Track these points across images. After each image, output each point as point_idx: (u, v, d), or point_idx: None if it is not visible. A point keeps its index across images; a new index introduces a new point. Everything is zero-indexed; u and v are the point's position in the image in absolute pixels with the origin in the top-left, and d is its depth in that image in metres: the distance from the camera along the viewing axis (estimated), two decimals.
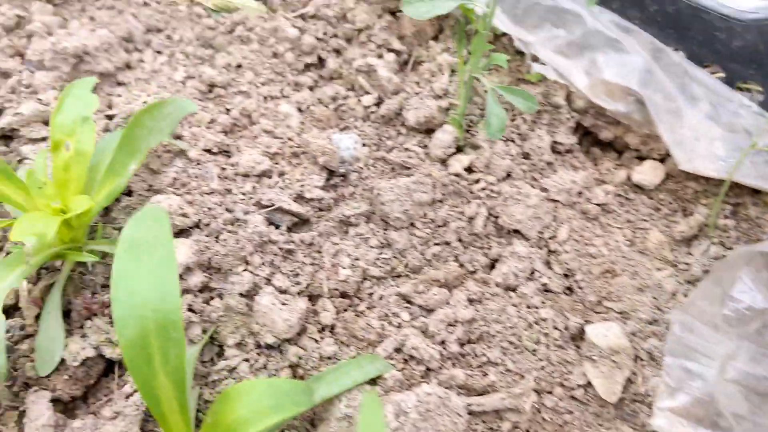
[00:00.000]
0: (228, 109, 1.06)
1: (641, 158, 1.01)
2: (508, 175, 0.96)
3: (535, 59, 1.01)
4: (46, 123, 1.00)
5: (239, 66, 1.10)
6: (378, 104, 1.05)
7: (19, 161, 0.98)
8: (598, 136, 1.02)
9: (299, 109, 1.06)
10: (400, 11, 1.20)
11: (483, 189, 0.94)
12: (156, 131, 0.78)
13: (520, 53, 1.07)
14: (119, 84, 1.10)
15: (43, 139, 0.98)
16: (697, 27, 0.90)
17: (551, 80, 1.00)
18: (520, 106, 0.88)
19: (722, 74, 0.92)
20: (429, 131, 1.02)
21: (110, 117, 1.03)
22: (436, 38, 1.16)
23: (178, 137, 1.00)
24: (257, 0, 1.16)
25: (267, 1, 1.17)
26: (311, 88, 1.10)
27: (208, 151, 0.99)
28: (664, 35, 0.93)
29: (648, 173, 0.97)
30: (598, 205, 0.95)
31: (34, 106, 0.98)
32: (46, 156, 0.90)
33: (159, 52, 1.13)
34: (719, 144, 0.92)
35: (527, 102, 0.88)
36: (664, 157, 0.99)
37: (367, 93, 1.06)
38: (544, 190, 0.94)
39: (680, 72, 0.93)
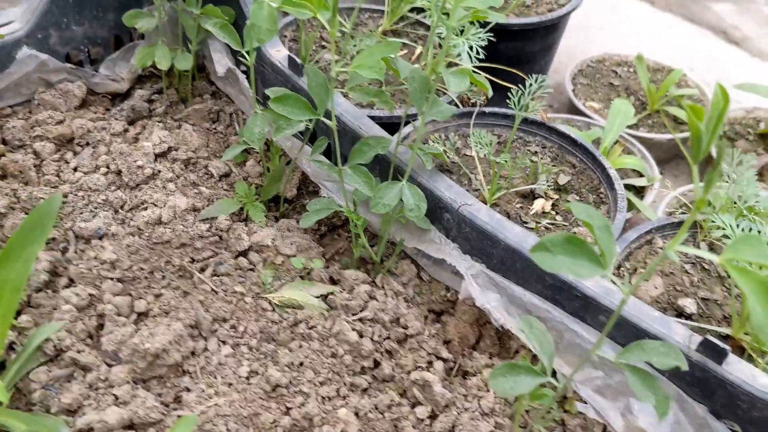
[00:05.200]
0: (288, 409, 1.14)
1: None
2: None
3: (576, 393, 1.14)
4: (124, 428, 1.05)
5: (301, 364, 1.19)
6: (431, 417, 1.15)
7: None
8: None
9: (357, 414, 1.15)
10: (445, 313, 1.33)
11: None
12: None
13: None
14: (185, 373, 1.17)
15: None
16: (721, 393, 1.05)
17: (591, 417, 1.13)
18: None
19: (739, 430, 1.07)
20: None
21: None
22: (477, 344, 1.28)
23: None
24: (318, 298, 1.27)
25: (328, 300, 1.28)
26: (365, 390, 1.19)
27: None
28: (691, 391, 1.08)
29: None
30: None
31: (117, 413, 1.04)
32: None
33: (224, 342, 1.21)
34: None
35: None
36: None
37: (420, 404, 1.16)
38: None
39: (702, 423, 1.07)
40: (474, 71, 1.45)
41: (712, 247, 1.50)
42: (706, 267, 1.47)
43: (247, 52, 1.28)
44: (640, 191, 1.95)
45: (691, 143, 0.70)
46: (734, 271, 0.72)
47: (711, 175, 0.67)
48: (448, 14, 1.55)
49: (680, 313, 1.35)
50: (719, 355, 1.03)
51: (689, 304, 1.36)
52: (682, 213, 1.70)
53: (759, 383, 1.02)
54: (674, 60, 2.41)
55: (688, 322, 1.32)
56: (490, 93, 1.21)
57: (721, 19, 2.92)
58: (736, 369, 1.03)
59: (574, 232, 1.45)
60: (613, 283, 0.84)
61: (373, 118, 1.42)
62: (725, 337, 1.29)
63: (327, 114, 1.21)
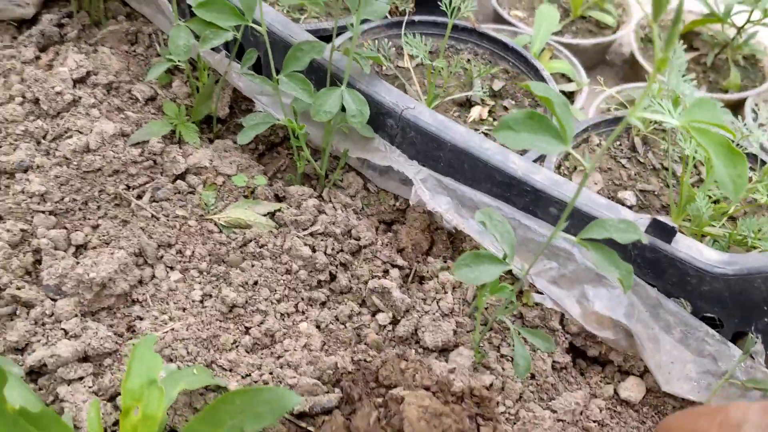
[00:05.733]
0: (248, 328, 1.11)
1: (622, 371, 1.17)
2: (520, 397, 1.08)
3: (532, 285, 1.16)
4: (79, 360, 1.00)
5: (255, 283, 1.16)
6: (393, 323, 1.15)
7: (52, 402, 0.98)
8: (587, 353, 1.17)
9: (318, 327, 1.13)
10: (395, 223, 1.32)
11: (503, 413, 1.05)
12: (250, 416, 0.81)
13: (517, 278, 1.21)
14: (134, 302, 1.12)
15: (80, 379, 0.99)
16: (671, 271, 1.08)
17: (548, 307, 1.15)
18: (539, 345, 1.01)
19: (690, 308, 1.11)
20: (444, 351, 1.13)
21: None
22: (430, 250, 1.28)
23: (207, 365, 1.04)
24: (266, 216, 1.23)
25: (275, 217, 1.24)
26: (324, 303, 1.17)
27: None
28: (643, 273, 1.11)
29: (633, 390, 1.13)
30: (595, 422, 1.09)
31: (70, 346, 0.99)
32: (99, 407, 0.91)
33: (171, 268, 1.16)
34: (691, 366, 1.10)
35: (545, 343, 1.01)
36: (643, 373, 1.15)
37: (381, 311, 1.16)
38: (553, 411, 1.07)
39: (655, 303, 1.11)
40: None
41: (645, 141, 1.54)
42: (641, 161, 1.50)
43: None
44: (569, 97, 1.97)
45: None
46: (696, 132, 0.72)
47: (672, 31, 0.66)
48: None
49: (621, 206, 1.38)
50: (668, 234, 1.06)
51: (629, 197, 1.39)
52: (617, 108, 1.72)
53: (706, 257, 1.06)
54: None
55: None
56: None
57: None
58: (684, 246, 1.07)
59: None
60: (573, 155, 0.84)
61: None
62: None
63: (256, 22, 1.15)
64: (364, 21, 1.62)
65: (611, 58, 2.38)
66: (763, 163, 1.47)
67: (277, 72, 1.17)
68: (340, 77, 1.23)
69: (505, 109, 1.54)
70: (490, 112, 1.54)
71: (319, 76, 1.28)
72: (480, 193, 1.18)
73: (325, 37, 1.50)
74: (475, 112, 1.52)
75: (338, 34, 1.47)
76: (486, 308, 1.19)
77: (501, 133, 0.76)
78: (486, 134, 1.45)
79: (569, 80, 1.97)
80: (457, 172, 1.20)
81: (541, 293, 1.15)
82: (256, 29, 1.13)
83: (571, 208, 0.86)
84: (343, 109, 1.16)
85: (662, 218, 1.07)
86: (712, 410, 0.71)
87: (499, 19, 2.19)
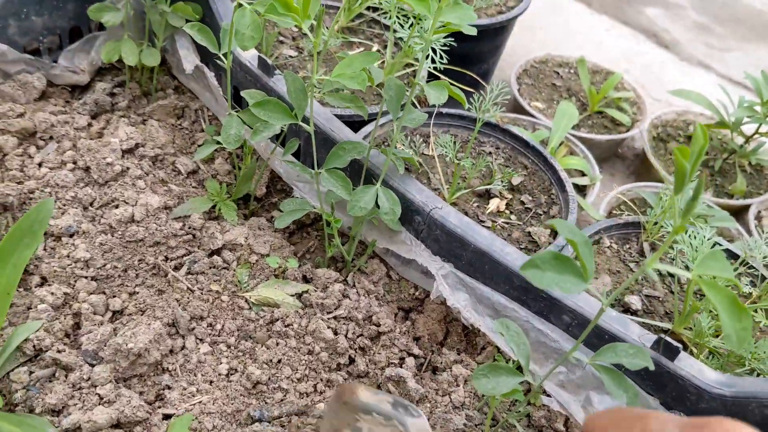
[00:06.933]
0: (268, 405, 1.18)
1: None
2: None
3: (541, 386, 1.23)
4: (112, 427, 1.06)
5: (279, 361, 1.22)
6: None
7: None
8: None
9: None
10: (413, 311, 1.39)
11: None
12: None
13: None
14: (165, 371, 1.18)
15: None
16: (672, 386, 1.15)
17: (554, 409, 1.22)
18: None
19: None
20: None
21: (167, 416, 1.11)
22: (445, 340, 1.35)
23: None
24: (293, 297, 1.30)
25: (302, 298, 1.31)
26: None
27: None
28: (644, 385, 1.19)
29: None
30: None
31: (105, 412, 1.05)
32: None
33: (201, 340, 1.23)
34: None
35: None
36: None
37: None
38: None
39: None
40: (431, 71, 1.52)
41: (654, 247, 1.62)
42: None
43: (224, 55, 1.29)
44: (581, 189, 2.06)
45: (675, 178, 0.77)
46: (705, 285, 0.80)
47: (689, 205, 0.74)
48: (407, 16, 1.60)
49: (627, 309, 1.45)
50: (672, 353, 1.13)
51: (635, 301, 1.47)
52: (627, 214, 1.81)
53: (706, 377, 1.13)
54: (610, 60, 2.53)
55: (635, 318, 1.42)
56: (466, 105, 1.27)
57: (653, 23, 3.07)
58: (686, 365, 1.14)
59: (528, 232, 1.53)
60: (593, 296, 0.93)
61: (336, 116, 1.45)
62: (666, 332, 1.40)
63: (304, 119, 1.24)
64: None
65: (623, 152, 2.48)
66: (764, 278, 1.54)
67: (317, 160, 1.26)
68: (375, 172, 1.31)
69: (522, 203, 1.62)
70: (507, 205, 1.62)
71: (354, 168, 1.37)
72: (497, 293, 1.26)
73: (357, 122, 1.59)
74: (494, 204, 1.60)
75: (371, 120, 1.57)
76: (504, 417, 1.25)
77: (528, 272, 0.84)
78: (503, 227, 1.53)
79: (583, 174, 2.07)
80: (477, 271, 1.28)
81: (549, 395, 1.22)
82: (304, 127, 1.22)
83: (592, 327, 0.93)
84: (377, 204, 1.25)
85: (668, 338, 1.14)
86: (634, 416, 0.70)
87: (519, 109, 2.30)
